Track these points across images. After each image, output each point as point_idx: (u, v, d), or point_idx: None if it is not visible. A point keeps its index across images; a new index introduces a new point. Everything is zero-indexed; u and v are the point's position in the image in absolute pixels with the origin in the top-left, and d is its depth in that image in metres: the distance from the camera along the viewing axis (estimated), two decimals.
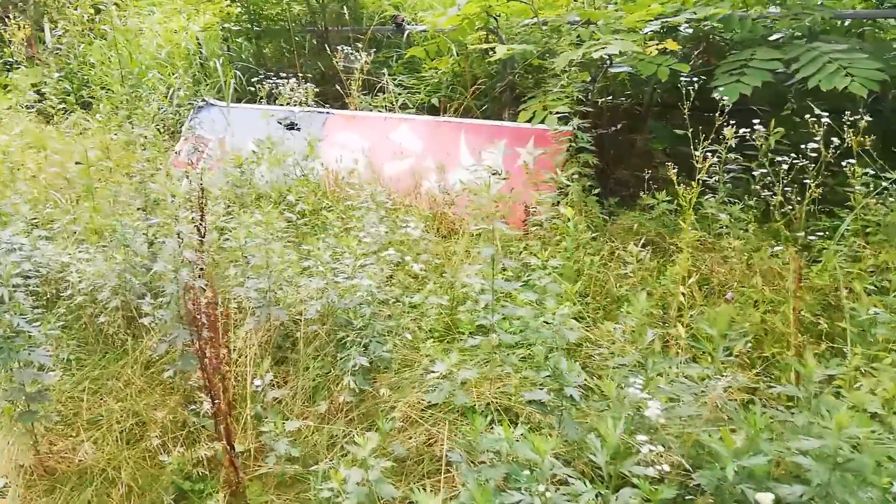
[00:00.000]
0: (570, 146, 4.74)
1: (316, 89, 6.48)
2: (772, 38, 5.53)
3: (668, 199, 4.70)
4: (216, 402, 2.17)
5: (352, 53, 6.02)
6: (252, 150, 6.50)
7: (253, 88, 7.09)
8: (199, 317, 2.18)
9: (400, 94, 6.79)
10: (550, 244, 4.39)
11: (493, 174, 5.80)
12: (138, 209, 3.81)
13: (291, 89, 5.82)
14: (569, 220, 3.67)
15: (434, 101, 6.87)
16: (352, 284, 3.22)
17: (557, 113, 4.72)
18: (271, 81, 6.50)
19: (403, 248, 4.01)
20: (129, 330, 3.55)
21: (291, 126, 6.85)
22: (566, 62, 4.71)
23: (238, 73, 7.37)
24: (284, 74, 7.16)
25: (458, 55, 6.86)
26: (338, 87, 6.88)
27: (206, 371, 2.15)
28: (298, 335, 3.24)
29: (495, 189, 5.59)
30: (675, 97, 6.44)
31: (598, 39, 4.75)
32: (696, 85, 4.17)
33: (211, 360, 2.13)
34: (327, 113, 6.76)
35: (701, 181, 3.95)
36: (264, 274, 3.17)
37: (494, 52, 4.98)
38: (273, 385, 2.89)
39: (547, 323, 2.88)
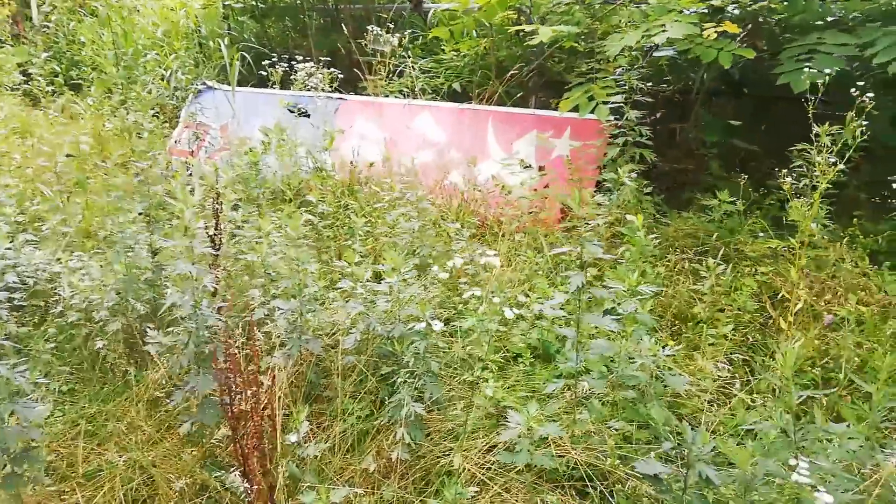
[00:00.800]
0: (626, 140, 4.24)
1: (339, 74, 5.93)
2: (828, 19, 5.03)
3: (731, 200, 4.22)
4: (254, 486, 1.69)
5: (380, 34, 5.44)
6: (259, 138, 5.98)
7: (264, 72, 6.53)
8: (233, 382, 1.69)
9: (418, 77, 6.25)
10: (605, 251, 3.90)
11: (526, 167, 5.30)
12: (140, 214, 3.29)
13: (309, 74, 5.25)
14: (637, 228, 3.17)
15: (455, 86, 6.33)
16: (392, 309, 2.73)
17: (612, 103, 4.21)
18: (284, 65, 5.94)
19: (437, 255, 3.52)
20: (131, 358, 3.05)
21: (301, 113, 6.31)
22: (620, 48, 4.19)
23: (244, 54, 6.80)
24: (291, 56, 6.61)
25: (478, 36, 6.32)
26: (354, 71, 6.33)
27: (240, 449, 1.67)
28: (332, 366, 2.75)
29: (528, 185, 5.10)
30: (719, 85, 5.96)
31: (654, 21, 4.23)
32: None
33: (250, 437, 1.65)
34: (341, 99, 6.22)
35: (786, 182, 3.47)
36: (294, 295, 2.67)
37: (536, 34, 4.45)
38: (308, 435, 2.41)
39: (631, 359, 2.40)
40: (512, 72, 5.71)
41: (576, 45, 5.92)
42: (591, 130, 5.15)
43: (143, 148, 5.46)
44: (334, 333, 2.94)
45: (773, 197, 4.74)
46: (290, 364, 2.63)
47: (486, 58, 6.43)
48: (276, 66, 5.90)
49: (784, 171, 3.28)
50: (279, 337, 2.69)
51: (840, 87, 4.88)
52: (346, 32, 6.76)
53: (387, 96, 6.33)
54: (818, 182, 2.98)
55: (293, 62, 5.95)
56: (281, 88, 6.42)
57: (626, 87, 4.26)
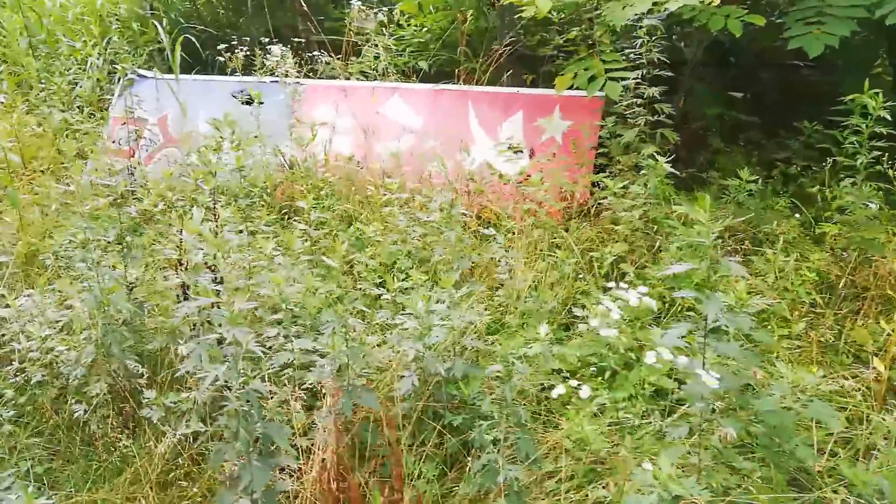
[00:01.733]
0: (646, 119, 3.88)
1: (324, 58, 5.30)
2: None
3: (753, 178, 3.94)
4: None
5: (362, 9, 4.81)
6: (207, 133, 5.31)
7: (213, 58, 5.82)
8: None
9: (379, 57, 5.69)
10: (631, 244, 3.54)
11: (516, 152, 4.89)
12: (112, 243, 2.68)
13: (281, 58, 4.60)
14: (700, 222, 2.81)
15: (423, 64, 5.82)
16: (447, 341, 2.29)
17: (627, 80, 3.84)
18: (243, 49, 5.26)
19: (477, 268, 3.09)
20: (122, 426, 2.47)
21: (251, 101, 5.65)
22: (626, 17, 3.80)
23: (190, 38, 6.03)
24: (227, 37, 5.92)
25: (447, 8, 5.81)
26: (306, 53, 5.71)
27: None
28: (383, 417, 2.28)
29: (519, 170, 4.70)
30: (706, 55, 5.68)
31: None
32: None
33: None
34: (298, 83, 5.59)
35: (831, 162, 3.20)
36: (334, 341, 2.17)
37: (535, 6, 3.98)
38: None
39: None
40: (502, 49, 5.23)
41: (550, 15, 5.52)
42: (584, 109, 4.79)
43: (76, 152, 4.74)
44: (370, 374, 2.47)
45: (777, 171, 4.53)
46: (339, 422, 2.15)
47: (452, 33, 5.94)
48: (237, 52, 5.20)
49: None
50: (318, 389, 2.20)
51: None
52: (293, 7, 6.11)
53: (348, 79, 5.75)
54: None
55: (238, 44, 5.29)
56: (220, 74, 5.76)
57: (642, 61, 3.89)
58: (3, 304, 2.95)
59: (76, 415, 2.43)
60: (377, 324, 2.54)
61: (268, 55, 4.79)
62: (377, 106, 5.33)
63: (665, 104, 3.79)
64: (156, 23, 5.40)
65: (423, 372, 2.27)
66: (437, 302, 2.36)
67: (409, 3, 5.37)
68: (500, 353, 2.09)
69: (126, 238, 2.62)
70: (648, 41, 3.85)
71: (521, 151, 4.86)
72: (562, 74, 4.53)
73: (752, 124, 4.99)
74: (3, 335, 2.86)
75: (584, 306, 2.86)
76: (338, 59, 5.74)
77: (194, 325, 2.35)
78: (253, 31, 6.78)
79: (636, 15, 3.85)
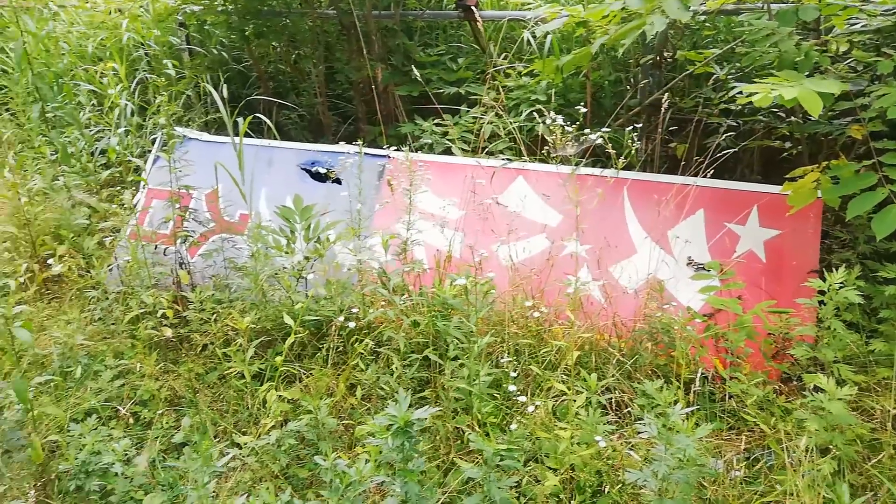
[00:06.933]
0: None
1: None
2: None
3: None
4: None
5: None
6: (274, 218, 4.11)
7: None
8: None
9: (491, 121, 4.38)
10: None
11: (699, 268, 3.60)
12: None
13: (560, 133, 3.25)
14: None
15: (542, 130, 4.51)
16: None
17: None
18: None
19: None
20: None
21: (325, 177, 4.38)
22: None
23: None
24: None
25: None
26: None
27: None
28: None
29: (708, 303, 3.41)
30: None
31: None
32: None
33: None
34: (386, 157, 4.31)
35: None
36: None
37: (783, 97, 2.64)
38: None
39: None
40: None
41: (709, 68, 4.25)
42: (796, 213, 3.46)
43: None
44: None
45: None
46: None
47: (571, 86, 4.65)
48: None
49: None
50: None
51: None
52: (370, 45, 4.85)
53: (448, 150, 4.47)
54: None
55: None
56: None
57: None
58: None
59: None
60: None
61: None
62: (494, 190, 4.04)
63: None
64: (212, 90, 4.05)
65: None
66: None
67: (547, 64, 4.04)
68: None
69: None
70: None
71: (703, 267, 3.57)
72: (790, 178, 3.25)
73: None
74: None
75: None
76: (434, 122, 4.47)
77: None
78: (313, 77, 5.50)
79: None
